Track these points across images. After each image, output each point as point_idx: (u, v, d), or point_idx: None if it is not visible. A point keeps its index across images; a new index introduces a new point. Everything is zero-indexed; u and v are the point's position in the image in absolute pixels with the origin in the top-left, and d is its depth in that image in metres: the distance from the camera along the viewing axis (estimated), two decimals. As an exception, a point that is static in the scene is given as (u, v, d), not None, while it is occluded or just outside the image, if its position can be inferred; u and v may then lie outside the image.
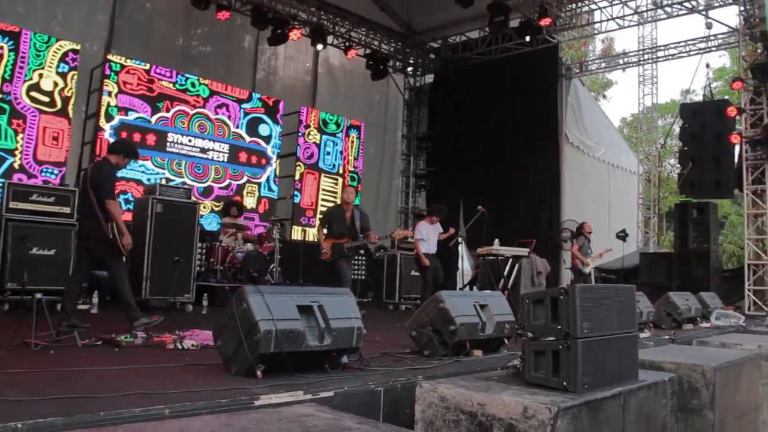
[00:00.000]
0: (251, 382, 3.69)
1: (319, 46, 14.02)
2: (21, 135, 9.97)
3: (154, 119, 11.59)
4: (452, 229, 10.24)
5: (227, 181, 12.61)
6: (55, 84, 10.36)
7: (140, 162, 11.14)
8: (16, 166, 9.90)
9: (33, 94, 10.13)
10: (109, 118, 11.04)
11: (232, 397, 3.24)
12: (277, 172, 13.63)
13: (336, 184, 14.80)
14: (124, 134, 11.12)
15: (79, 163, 11.24)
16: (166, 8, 12.71)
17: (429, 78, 17.27)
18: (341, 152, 14.97)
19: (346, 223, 8.89)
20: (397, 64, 16.72)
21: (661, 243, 12.63)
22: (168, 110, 11.78)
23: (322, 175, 14.59)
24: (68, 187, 9.50)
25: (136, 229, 8.92)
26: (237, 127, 12.87)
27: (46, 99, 10.26)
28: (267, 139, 13.39)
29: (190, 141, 12.08)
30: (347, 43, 14.78)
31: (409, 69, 17.29)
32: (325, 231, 9.08)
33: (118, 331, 5.58)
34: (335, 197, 14.61)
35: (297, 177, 14.03)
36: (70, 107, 10.48)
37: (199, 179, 12.15)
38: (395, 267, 12.48)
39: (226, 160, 12.64)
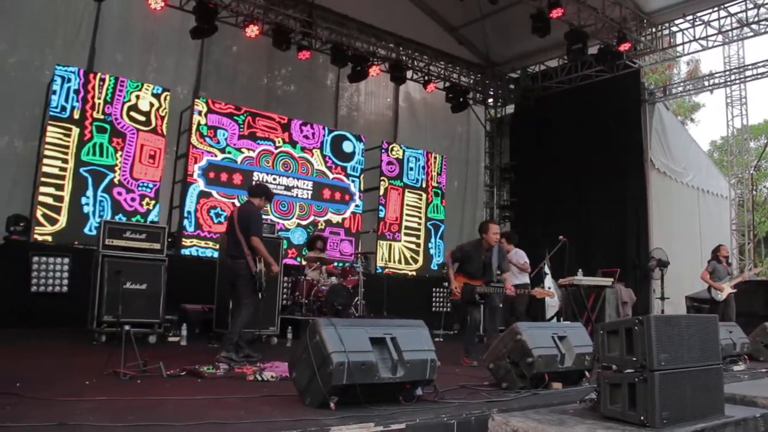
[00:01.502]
0: (324, 413, 3.76)
1: (399, 82, 14.21)
2: (120, 152, 10.68)
3: (239, 159, 12.00)
4: None
5: (311, 218, 12.87)
6: (151, 105, 11.07)
7: (227, 200, 11.59)
8: (115, 181, 10.60)
9: (132, 114, 10.88)
10: (198, 158, 11.54)
11: (302, 428, 3.31)
12: (361, 187, 13.87)
13: (420, 199, 14.93)
14: (212, 174, 11.58)
15: (170, 201, 11.76)
16: (251, 50, 13.18)
17: (510, 108, 17.20)
18: (423, 167, 15.10)
19: (482, 262, 7.78)
20: (477, 95, 16.75)
21: (759, 270, 12.04)
22: (253, 149, 12.19)
23: (406, 190, 14.73)
24: (158, 224, 9.98)
25: (221, 266, 9.26)
26: (321, 147, 13.23)
27: (142, 118, 10.97)
28: (350, 156, 13.68)
29: (275, 179, 12.42)
30: (426, 77, 14.93)
31: (490, 100, 17.29)
32: (455, 266, 8.02)
33: (203, 362, 5.78)
34: (419, 212, 14.79)
35: (381, 192, 14.24)
36: (164, 126, 11.18)
37: (284, 216, 12.45)
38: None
39: (310, 197, 12.93)
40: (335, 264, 11.61)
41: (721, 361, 4.17)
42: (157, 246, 8.67)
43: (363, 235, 13.72)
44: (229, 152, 11.95)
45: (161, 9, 10.83)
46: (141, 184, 10.83)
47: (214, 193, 11.62)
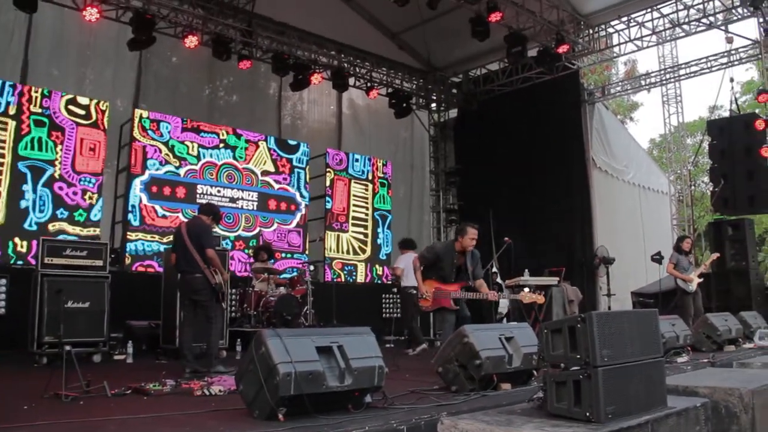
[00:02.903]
0: (273, 425, 3.72)
1: (342, 89, 14.20)
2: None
3: (182, 172, 11.82)
4: None
5: (257, 229, 12.75)
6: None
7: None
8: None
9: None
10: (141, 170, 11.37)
11: (250, 442, 3.26)
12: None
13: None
14: (154, 188, 11.39)
15: (113, 216, 11.53)
16: (190, 61, 13.01)
17: (453, 113, 17.35)
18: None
19: (456, 267, 7.36)
20: (420, 100, 16.84)
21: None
22: (196, 162, 12.05)
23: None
24: (100, 240, 9.77)
25: (166, 280, 9.12)
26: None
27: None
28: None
29: (219, 191, 12.28)
30: (369, 84, 14.95)
31: (433, 105, 17.41)
32: (422, 269, 7.50)
33: (149, 379, 5.67)
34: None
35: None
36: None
37: (229, 228, 12.31)
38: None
39: (255, 208, 12.81)
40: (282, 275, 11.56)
41: (662, 354, 4.26)
42: (99, 263, 8.49)
43: (311, 223, 13.82)
44: (173, 146, 11.80)
45: (96, 20, 10.59)
46: (83, 179, 10.66)
47: (157, 207, 11.41)
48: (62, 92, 10.64)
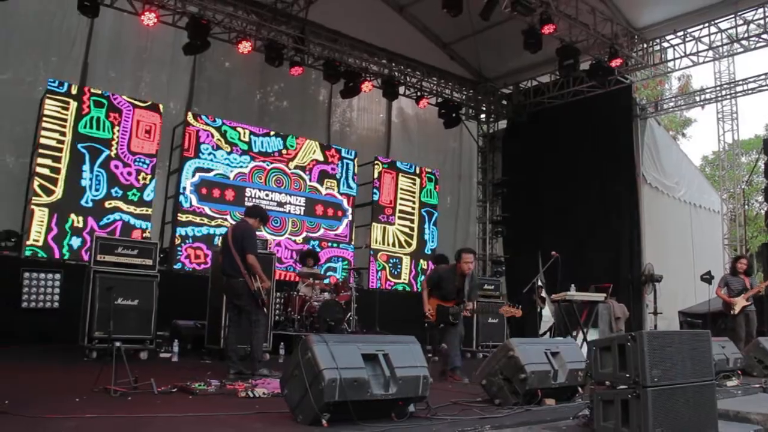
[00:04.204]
0: (316, 430, 3.73)
1: (392, 98, 14.24)
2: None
3: (232, 175, 11.99)
4: None
5: (304, 233, 12.86)
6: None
7: (216, 228, 11.62)
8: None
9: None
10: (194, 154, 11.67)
11: (294, 446, 3.29)
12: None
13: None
14: (204, 190, 11.58)
15: (162, 217, 11.74)
16: (243, 66, 13.20)
17: (502, 124, 17.24)
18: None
19: (455, 287, 8.08)
20: (470, 111, 16.78)
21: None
22: (246, 165, 12.22)
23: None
24: (151, 240, 9.95)
25: (213, 281, 9.25)
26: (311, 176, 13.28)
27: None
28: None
29: (267, 195, 12.41)
30: (419, 93, 14.96)
31: (482, 116, 17.32)
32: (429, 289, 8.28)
33: (196, 379, 5.75)
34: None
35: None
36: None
37: (276, 232, 12.43)
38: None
39: (302, 213, 12.92)
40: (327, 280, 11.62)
41: (714, 377, 4.17)
42: (149, 262, 8.66)
43: (358, 214, 13.99)
44: (225, 131, 12.15)
45: (154, 25, 10.83)
46: (137, 159, 10.96)
47: (206, 209, 11.60)
48: (120, 94, 10.95)
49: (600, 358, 3.87)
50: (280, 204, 12.61)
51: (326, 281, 11.68)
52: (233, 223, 10.44)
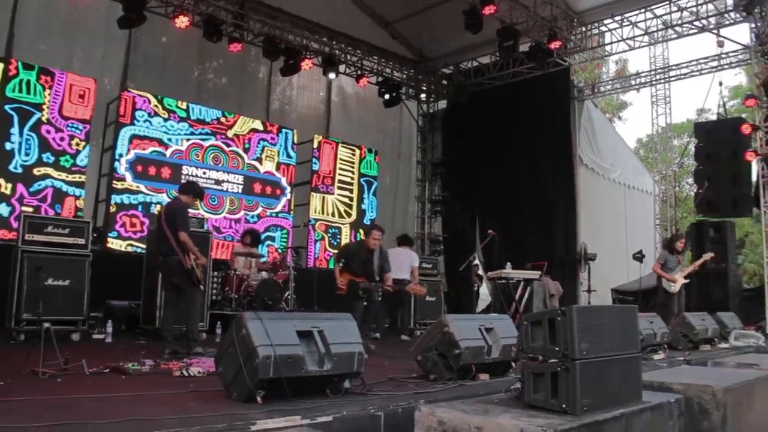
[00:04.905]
0: (250, 407, 3.72)
1: (331, 75, 14.11)
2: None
3: (168, 153, 11.75)
4: None
5: (242, 212, 12.72)
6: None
7: (155, 195, 11.38)
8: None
9: None
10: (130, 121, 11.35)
11: (227, 422, 3.26)
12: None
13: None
14: (139, 168, 11.32)
15: (96, 195, 11.43)
16: (181, 42, 12.89)
17: (442, 104, 17.34)
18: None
19: (365, 262, 8.69)
20: (410, 90, 16.80)
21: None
22: (183, 134, 12.00)
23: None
24: (82, 218, 9.69)
25: (148, 260, 9.08)
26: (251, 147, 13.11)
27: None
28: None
29: (204, 173, 12.22)
30: (359, 72, 14.91)
31: (422, 95, 17.37)
32: (341, 264, 8.93)
33: (128, 359, 5.65)
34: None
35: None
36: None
37: (214, 210, 12.26)
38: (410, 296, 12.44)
39: (240, 191, 12.76)
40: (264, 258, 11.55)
41: (640, 350, 4.30)
42: (81, 241, 8.43)
43: (296, 188, 13.86)
44: (162, 98, 11.86)
45: (86, -4, 10.49)
46: (70, 125, 10.55)
47: (142, 187, 11.35)
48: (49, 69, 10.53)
49: (531, 332, 3.94)
50: (218, 182, 12.42)
51: (263, 260, 11.59)
52: (167, 201, 10.27)
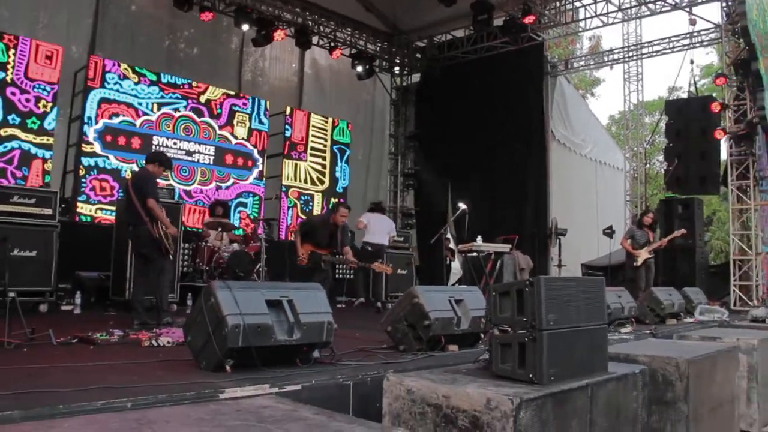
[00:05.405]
0: (219, 376, 3.71)
1: (305, 47, 14.00)
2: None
3: (138, 123, 11.59)
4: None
5: (213, 183, 12.62)
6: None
7: (124, 165, 11.24)
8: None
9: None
10: (93, 120, 11.08)
11: (196, 391, 3.25)
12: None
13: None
14: (108, 138, 11.15)
15: (64, 165, 11.26)
16: (150, 10, 12.68)
17: (416, 77, 17.30)
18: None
19: (328, 236, 8.94)
20: (384, 63, 16.74)
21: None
22: (154, 112, 11.81)
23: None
24: (49, 188, 9.54)
25: (118, 231, 8.98)
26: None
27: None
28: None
29: (175, 144, 12.08)
30: (333, 44, 14.80)
31: (396, 68, 17.31)
32: (301, 235, 9.12)
33: (97, 330, 5.60)
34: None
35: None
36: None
37: (185, 182, 12.15)
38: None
39: (212, 162, 12.64)
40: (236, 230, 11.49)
41: (606, 322, 4.35)
42: (48, 211, 8.28)
43: (268, 159, 13.79)
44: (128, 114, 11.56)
45: (51, -39, 10.24)
46: (37, 86, 10.35)
47: (111, 157, 11.19)
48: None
49: (499, 303, 3.97)
50: (189, 153, 12.30)
51: (237, 232, 11.53)
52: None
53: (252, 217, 12.80)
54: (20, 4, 11.23)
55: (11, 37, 10.13)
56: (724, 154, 13.58)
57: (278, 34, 13.12)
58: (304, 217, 13.82)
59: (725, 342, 6.61)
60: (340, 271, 13.94)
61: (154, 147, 11.60)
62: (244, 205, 13.13)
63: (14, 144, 10.07)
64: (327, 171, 14.90)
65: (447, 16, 14.35)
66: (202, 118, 12.50)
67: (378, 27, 15.98)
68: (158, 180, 7.31)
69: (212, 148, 12.64)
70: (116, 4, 12.27)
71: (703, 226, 14.37)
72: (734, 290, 12.32)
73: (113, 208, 10.10)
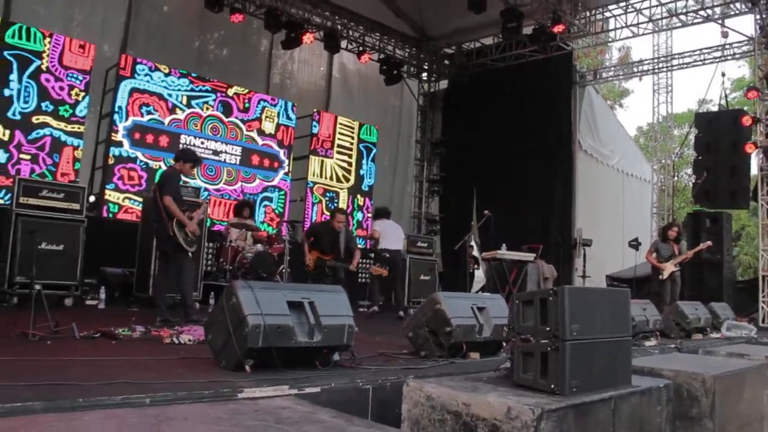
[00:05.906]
0: (238, 375, 3.71)
1: (333, 51, 14.04)
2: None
3: (167, 121, 11.69)
4: None
5: (239, 183, 12.68)
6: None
7: (150, 162, 11.33)
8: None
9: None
10: (124, 117, 11.20)
11: (215, 389, 3.26)
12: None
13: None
14: (137, 135, 11.26)
15: (92, 162, 11.38)
16: (182, 11, 12.79)
17: (443, 84, 17.28)
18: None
19: (331, 242, 9.39)
20: (411, 69, 16.74)
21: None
22: (182, 111, 11.90)
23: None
24: (78, 183, 9.65)
25: (143, 228, 9.06)
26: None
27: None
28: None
29: (202, 143, 12.16)
30: (361, 48, 14.83)
31: (424, 74, 17.31)
32: (310, 242, 9.56)
33: (120, 325, 5.65)
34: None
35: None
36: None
37: (211, 181, 12.23)
38: (405, 270, 12.42)
39: (238, 162, 12.71)
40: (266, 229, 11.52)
41: (630, 334, 4.29)
42: (76, 206, 8.41)
43: (297, 161, 13.84)
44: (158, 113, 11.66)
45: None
46: (70, 74, 10.46)
47: (139, 155, 11.29)
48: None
49: (522, 311, 3.92)
50: (216, 152, 12.37)
51: (264, 226, 11.61)
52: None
53: (277, 212, 12.81)
54: (55, 2, 11.38)
55: (45, 33, 10.26)
56: (754, 169, 13.39)
57: (307, 38, 13.17)
58: (328, 214, 13.83)
59: (754, 359, 6.49)
60: (362, 274, 13.97)
61: (181, 145, 11.67)
62: (270, 200, 13.16)
63: (46, 131, 10.17)
64: (353, 169, 14.89)
65: (476, 23, 14.31)
66: (230, 118, 12.56)
67: (407, 32, 15.98)
68: (186, 179, 7.35)
69: (239, 149, 12.70)
70: (149, 3, 12.40)
71: (731, 241, 14.18)
72: (763, 306, 12.10)
73: (140, 199, 10.20)
